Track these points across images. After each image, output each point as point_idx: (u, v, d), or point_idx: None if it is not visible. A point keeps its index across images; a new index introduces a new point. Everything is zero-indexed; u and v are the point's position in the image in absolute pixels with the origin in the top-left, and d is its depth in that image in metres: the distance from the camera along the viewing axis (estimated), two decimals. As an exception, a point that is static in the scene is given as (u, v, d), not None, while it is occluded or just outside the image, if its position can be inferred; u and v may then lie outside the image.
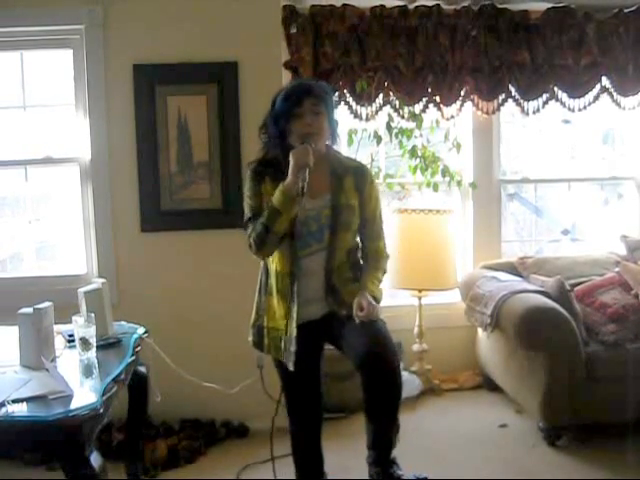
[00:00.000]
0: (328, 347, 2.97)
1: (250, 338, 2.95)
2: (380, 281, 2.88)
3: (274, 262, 2.82)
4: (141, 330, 3.08)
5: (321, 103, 2.74)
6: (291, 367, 2.76)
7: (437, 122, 4.63)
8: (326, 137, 2.80)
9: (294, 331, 2.73)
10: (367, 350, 2.59)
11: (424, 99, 4.50)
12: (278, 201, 2.64)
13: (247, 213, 2.82)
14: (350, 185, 2.82)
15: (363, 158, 4.48)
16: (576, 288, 4.11)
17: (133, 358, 2.80)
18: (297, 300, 2.74)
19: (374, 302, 2.69)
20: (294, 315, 2.74)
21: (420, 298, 4.52)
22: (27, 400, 2.23)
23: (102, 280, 3.08)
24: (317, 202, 2.76)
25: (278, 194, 2.65)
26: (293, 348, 2.73)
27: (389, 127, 4.53)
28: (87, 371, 2.58)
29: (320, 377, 2.97)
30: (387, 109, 4.52)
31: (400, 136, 4.56)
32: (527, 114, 4.66)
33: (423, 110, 4.54)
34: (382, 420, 2.66)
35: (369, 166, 4.47)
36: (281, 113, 2.73)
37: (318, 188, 2.74)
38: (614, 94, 4.67)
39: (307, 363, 2.84)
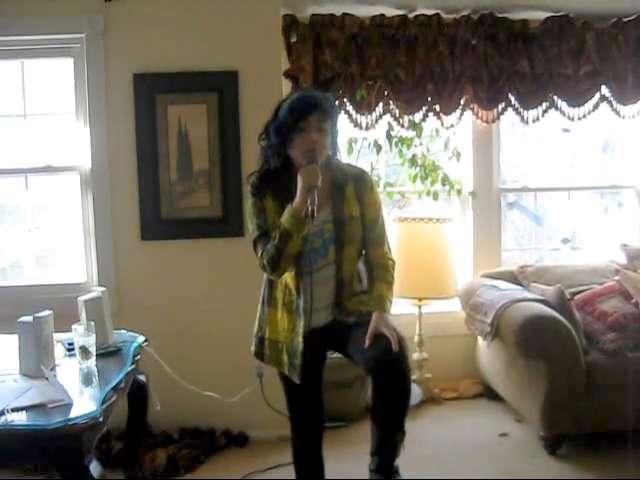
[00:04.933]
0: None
1: (252, 348, 2.93)
2: (392, 295, 2.86)
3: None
4: (141, 339, 3.08)
5: (327, 119, 2.70)
6: (297, 380, 2.74)
7: (437, 131, 4.65)
8: (327, 152, 2.76)
9: (300, 345, 2.71)
10: (380, 353, 2.57)
11: (424, 108, 4.51)
12: (288, 223, 2.62)
13: (254, 231, 2.77)
14: (351, 194, 2.80)
15: (363, 167, 4.48)
16: (576, 297, 4.11)
17: (133, 367, 2.80)
18: (303, 315, 2.72)
19: (395, 328, 2.62)
20: (300, 330, 2.72)
21: (420, 307, 4.52)
22: (26, 409, 2.23)
23: (102, 289, 3.08)
24: (318, 217, 2.68)
25: (288, 216, 2.62)
26: (298, 362, 2.72)
27: (389, 136, 4.54)
28: (87, 380, 2.58)
29: (322, 385, 2.95)
30: (387, 118, 4.53)
31: (400, 145, 4.56)
32: (527, 123, 4.67)
33: (423, 119, 4.55)
34: (389, 425, 2.65)
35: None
36: (285, 124, 2.69)
37: (319, 203, 2.67)
38: (613, 103, 4.68)
39: (310, 372, 2.82)
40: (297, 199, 2.62)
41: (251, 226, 2.80)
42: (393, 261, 2.93)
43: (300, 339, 2.72)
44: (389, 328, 2.61)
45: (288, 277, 2.76)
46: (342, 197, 2.79)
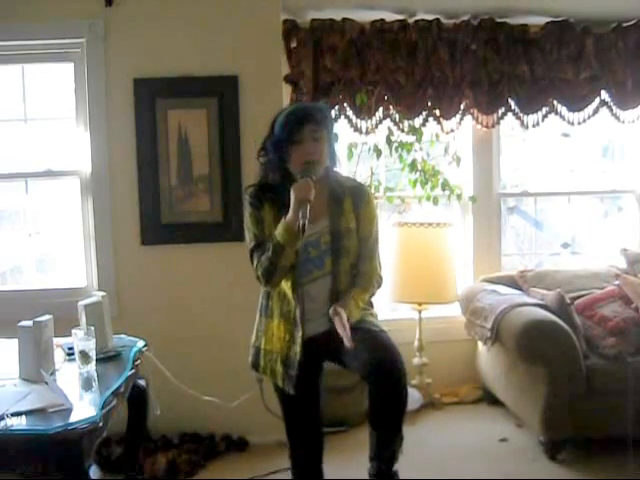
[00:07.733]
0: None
1: (249, 358, 2.92)
2: (365, 304, 2.83)
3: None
4: (141, 343, 3.08)
5: (321, 129, 2.72)
6: (291, 391, 2.74)
7: (437, 136, 4.65)
8: (326, 162, 2.78)
9: (297, 355, 2.72)
10: (375, 358, 2.58)
11: (424, 113, 4.52)
12: (281, 237, 2.63)
13: (250, 241, 2.78)
14: (349, 206, 2.81)
15: (363, 172, 4.49)
16: (576, 301, 4.10)
17: (133, 371, 2.80)
18: (300, 325, 2.72)
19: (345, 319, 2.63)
20: (298, 340, 2.72)
21: (420, 312, 4.51)
22: (26, 413, 2.23)
23: (102, 293, 3.07)
24: (315, 228, 2.73)
25: (281, 229, 2.64)
26: (294, 372, 2.72)
27: (389, 141, 4.53)
28: (86, 384, 2.57)
29: (320, 399, 2.92)
30: (387, 123, 4.53)
31: (400, 150, 4.56)
32: (527, 127, 4.67)
33: (423, 124, 4.55)
34: (387, 429, 2.64)
35: (369, 180, 4.49)
36: (281, 139, 2.71)
37: (316, 213, 2.70)
38: (613, 107, 4.68)
39: (307, 385, 2.81)
40: (290, 213, 2.63)
41: (248, 236, 2.81)
42: (381, 277, 2.93)
43: (298, 349, 2.72)
44: (340, 314, 2.62)
45: (285, 287, 2.76)
46: (340, 209, 2.80)
